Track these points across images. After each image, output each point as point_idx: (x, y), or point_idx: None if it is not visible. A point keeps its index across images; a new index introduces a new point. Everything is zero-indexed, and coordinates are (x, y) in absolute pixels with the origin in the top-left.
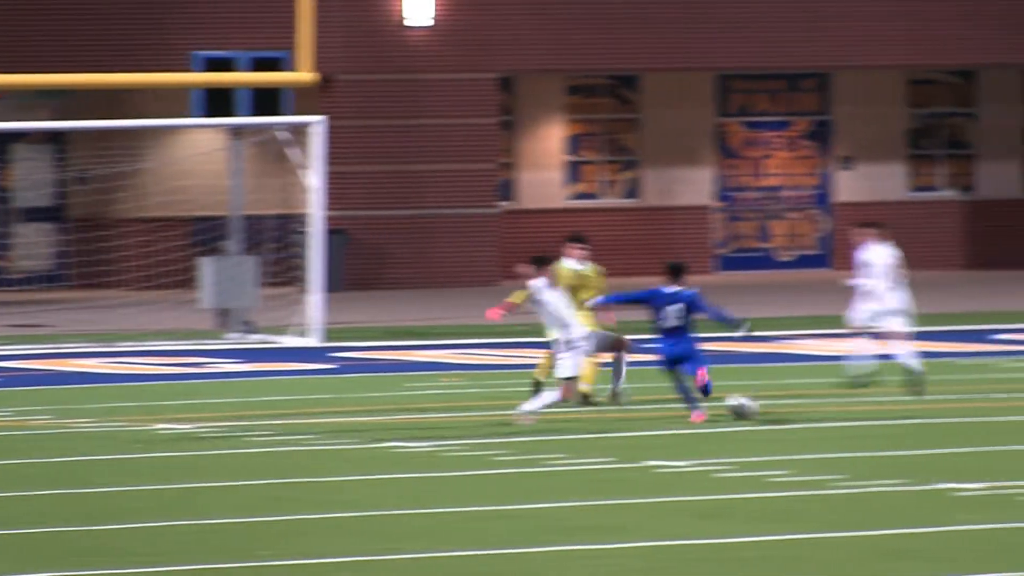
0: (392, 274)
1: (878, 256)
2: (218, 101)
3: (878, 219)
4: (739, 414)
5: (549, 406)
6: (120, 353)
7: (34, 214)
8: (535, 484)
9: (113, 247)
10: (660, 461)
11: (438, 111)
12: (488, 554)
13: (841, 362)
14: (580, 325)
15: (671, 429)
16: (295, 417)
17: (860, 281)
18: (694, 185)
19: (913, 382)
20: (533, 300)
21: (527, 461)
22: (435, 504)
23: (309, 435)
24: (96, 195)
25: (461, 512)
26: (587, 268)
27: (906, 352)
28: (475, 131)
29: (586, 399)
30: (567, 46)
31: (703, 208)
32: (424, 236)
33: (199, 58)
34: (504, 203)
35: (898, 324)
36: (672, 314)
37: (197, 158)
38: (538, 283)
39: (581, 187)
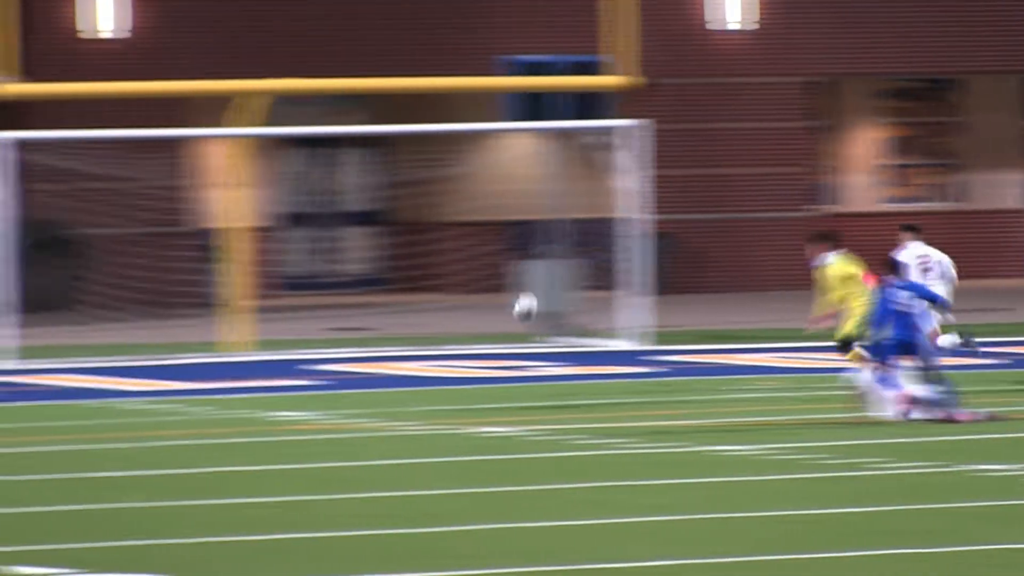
0: (710, 277)
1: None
2: (535, 105)
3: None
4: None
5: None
6: (442, 356)
7: (356, 218)
8: (855, 488)
9: (433, 251)
10: (985, 465)
11: (752, 115)
12: (797, 558)
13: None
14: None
15: (1003, 432)
16: (614, 420)
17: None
18: (1008, 189)
19: None
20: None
21: (847, 465)
22: (750, 508)
23: (627, 438)
24: (417, 199)
25: (771, 516)
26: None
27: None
28: (788, 135)
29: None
30: (880, 50)
31: (1017, 212)
32: (741, 240)
33: (517, 62)
34: (821, 207)
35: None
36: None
37: (515, 162)
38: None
39: (896, 191)
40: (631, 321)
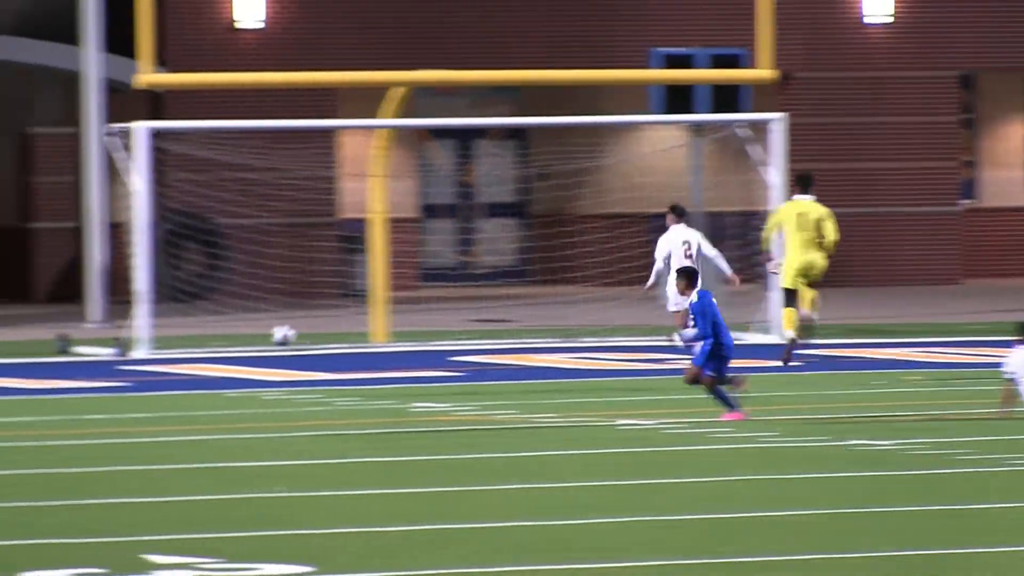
0: (851, 272)
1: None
2: (677, 98)
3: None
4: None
5: None
6: (582, 348)
7: (496, 210)
8: (994, 483)
9: (574, 243)
10: None
11: (897, 109)
12: (933, 554)
13: None
14: None
15: None
16: (754, 414)
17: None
18: None
19: None
20: None
21: (989, 461)
22: (890, 503)
23: (769, 432)
24: (557, 191)
25: (915, 511)
26: None
27: None
28: (935, 129)
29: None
30: None
31: None
32: (883, 234)
33: (658, 55)
34: (965, 201)
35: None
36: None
37: (657, 155)
38: None
39: None
40: (772, 315)
